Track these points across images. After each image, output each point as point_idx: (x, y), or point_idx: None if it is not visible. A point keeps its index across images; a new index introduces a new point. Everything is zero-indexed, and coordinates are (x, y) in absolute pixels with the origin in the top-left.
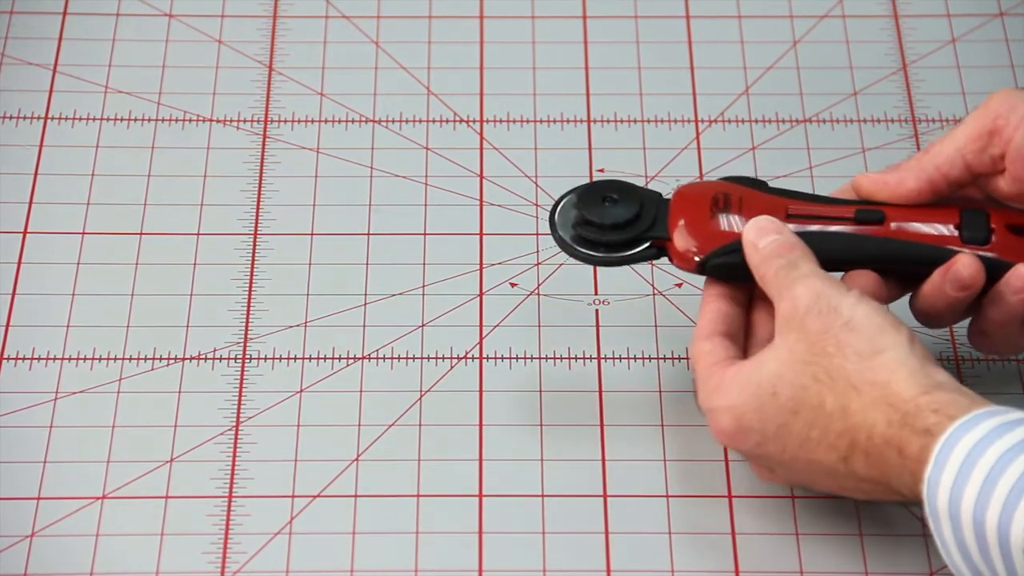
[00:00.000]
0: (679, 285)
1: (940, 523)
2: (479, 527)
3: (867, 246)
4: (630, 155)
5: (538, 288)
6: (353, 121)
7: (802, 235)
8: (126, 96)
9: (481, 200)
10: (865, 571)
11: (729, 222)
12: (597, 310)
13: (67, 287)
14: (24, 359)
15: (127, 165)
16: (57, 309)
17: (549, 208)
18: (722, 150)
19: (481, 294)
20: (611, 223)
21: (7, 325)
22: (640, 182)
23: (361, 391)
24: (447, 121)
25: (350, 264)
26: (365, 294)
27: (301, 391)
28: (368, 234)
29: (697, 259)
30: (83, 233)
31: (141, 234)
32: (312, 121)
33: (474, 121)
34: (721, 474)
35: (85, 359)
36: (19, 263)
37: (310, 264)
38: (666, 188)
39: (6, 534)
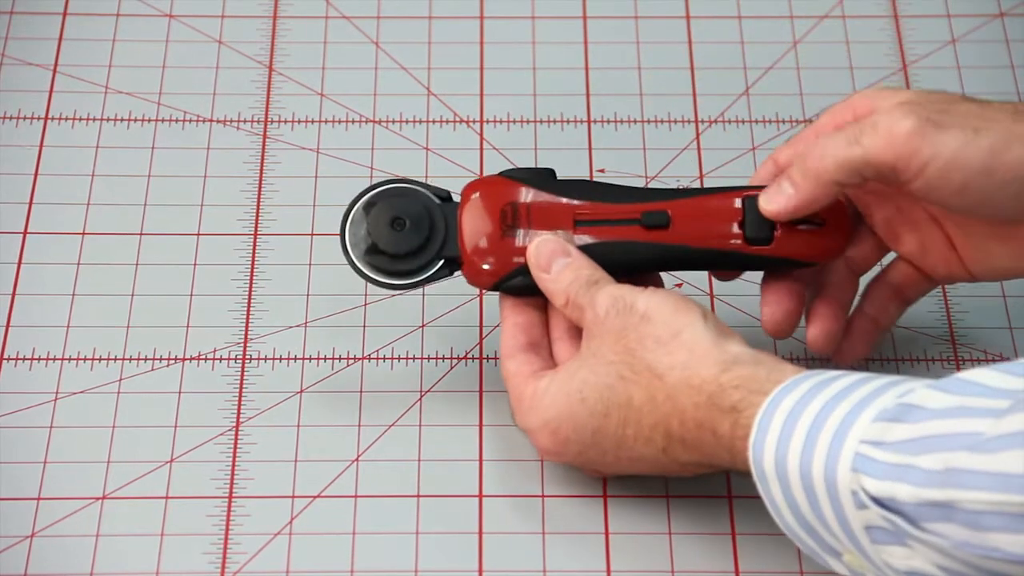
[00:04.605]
0: (679, 285)
1: (769, 485)
2: (479, 527)
3: (653, 253)
4: (630, 155)
5: None
6: (353, 121)
7: (588, 247)
8: (126, 96)
9: None
10: None
11: (520, 239)
12: None
13: (67, 287)
14: (24, 359)
15: (127, 165)
16: (57, 309)
17: None
18: (722, 151)
19: (481, 294)
20: (404, 252)
21: (7, 325)
22: (640, 182)
23: (361, 391)
24: (447, 121)
25: None
26: (365, 294)
27: (301, 391)
28: None
29: (490, 281)
30: (83, 233)
31: (141, 234)
32: (312, 121)
33: (474, 121)
34: (721, 474)
35: (85, 359)
36: (19, 263)
37: (310, 264)
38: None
39: (6, 534)
